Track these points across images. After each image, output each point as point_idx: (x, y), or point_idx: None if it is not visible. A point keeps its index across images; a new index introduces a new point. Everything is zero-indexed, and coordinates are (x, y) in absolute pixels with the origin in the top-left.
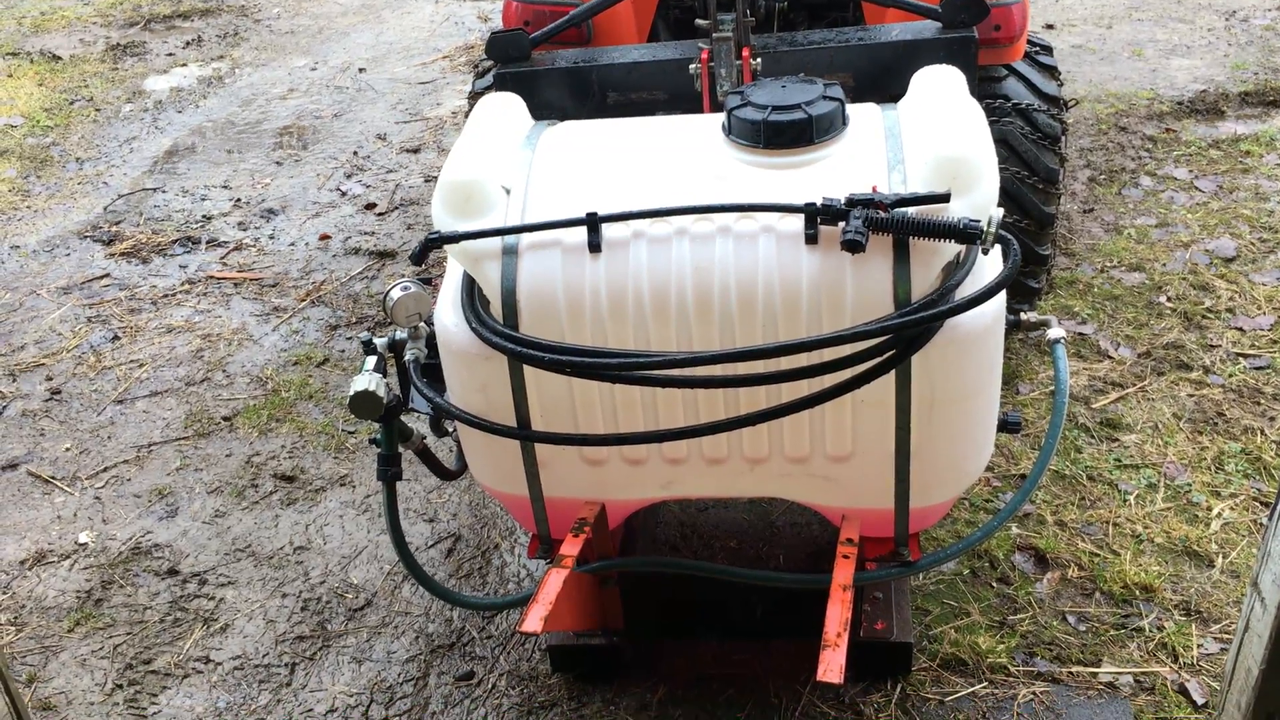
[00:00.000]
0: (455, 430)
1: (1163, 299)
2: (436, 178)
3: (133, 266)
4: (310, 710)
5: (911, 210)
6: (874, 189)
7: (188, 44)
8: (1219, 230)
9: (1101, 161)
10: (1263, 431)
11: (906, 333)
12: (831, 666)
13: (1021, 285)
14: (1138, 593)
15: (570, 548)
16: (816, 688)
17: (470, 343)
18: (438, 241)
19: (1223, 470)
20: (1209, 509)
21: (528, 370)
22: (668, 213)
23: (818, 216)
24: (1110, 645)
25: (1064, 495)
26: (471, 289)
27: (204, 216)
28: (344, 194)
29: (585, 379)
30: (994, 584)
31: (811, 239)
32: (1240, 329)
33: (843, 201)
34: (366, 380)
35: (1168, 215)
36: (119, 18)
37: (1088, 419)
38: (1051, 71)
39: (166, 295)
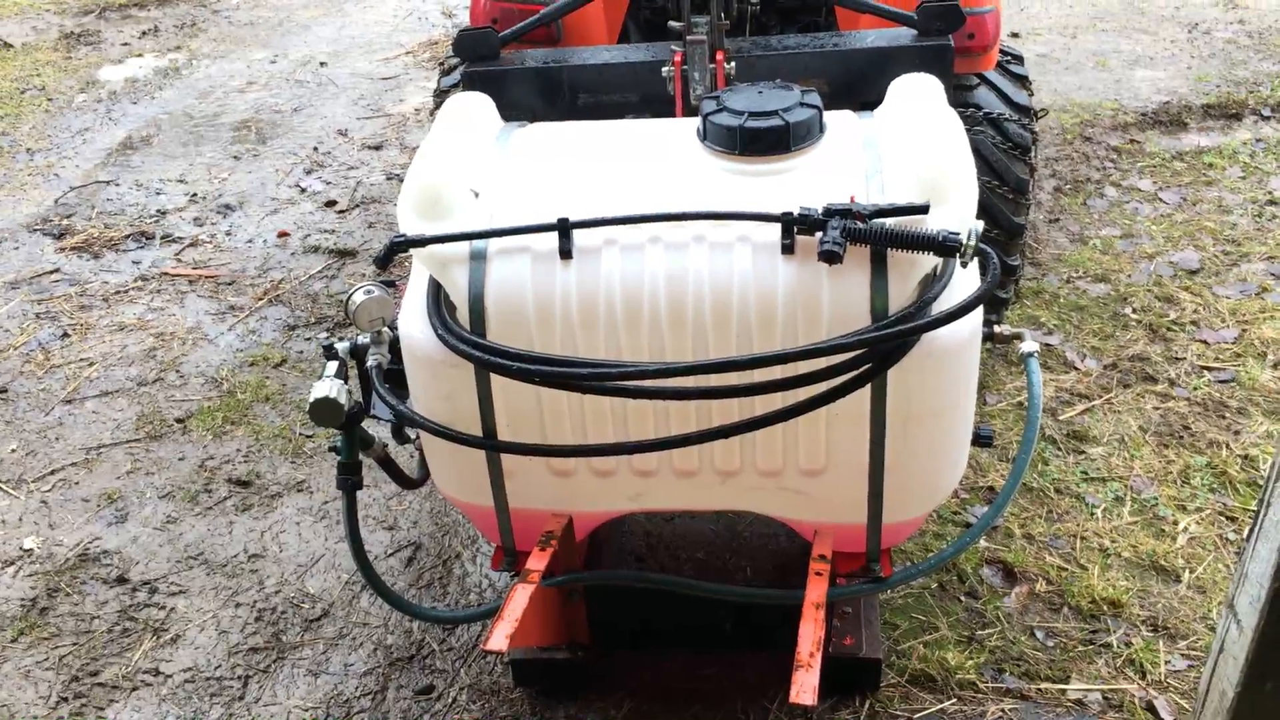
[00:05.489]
0: (418, 438)
1: (1128, 310)
2: (399, 175)
3: (84, 262)
4: None
5: (890, 221)
6: (852, 199)
7: (144, 34)
8: (1183, 242)
9: (1067, 171)
10: (1228, 445)
11: (883, 346)
12: (804, 688)
13: (990, 295)
14: (1105, 608)
15: (537, 562)
16: (785, 704)
17: (436, 350)
18: (404, 245)
19: (1189, 484)
20: (1175, 523)
21: (495, 379)
22: (641, 219)
23: (794, 226)
24: (1078, 661)
25: (1032, 508)
26: (438, 294)
27: (159, 211)
28: (303, 190)
29: (554, 389)
30: (962, 598)
31: (788, 249)
32: (1205, 342)
33: (820, 211)
34: (327, 387)
35: (1132, 226)
36: (73, 5)
37: (1055, 431)
38: (1023, 81)
39: (119, 292)
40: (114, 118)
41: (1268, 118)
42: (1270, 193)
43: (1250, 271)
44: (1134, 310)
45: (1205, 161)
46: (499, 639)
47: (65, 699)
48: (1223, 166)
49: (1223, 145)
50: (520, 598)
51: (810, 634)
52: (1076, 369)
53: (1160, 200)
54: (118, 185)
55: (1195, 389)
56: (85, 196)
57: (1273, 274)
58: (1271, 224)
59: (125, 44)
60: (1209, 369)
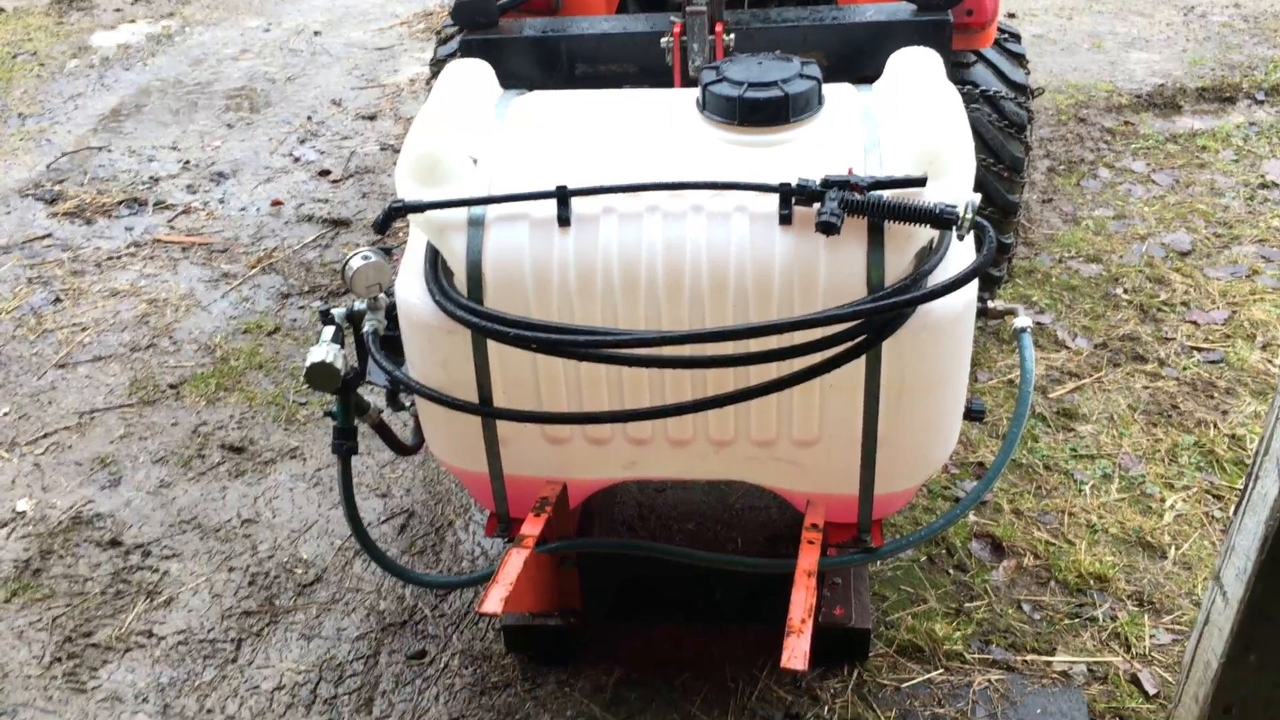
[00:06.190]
0: (413, 405)
1: (1119, 291)
2: (393, 146)
3: (76, 227)
4: (257, 687)
5: (887, 193)
6: (850, 171)
7: (136, 0)
8: (1175, 224)
9: (1061, 152)
10: (1215, 425)
11: (879, 318)
12: (796, 653)
13: (983, 273)
14: (1092, 582)
15: (531, 527)
16: (773, 672)
17: (433, 315)
18: (402, 210)
19: (1176, 462)
20: (1162, 500)
21: (491, 345)
22: (639, 188)
23: (792, 197)
24: (1064, 634)
25: (1021, 484)
26: (435, 260)
27: (151, 178)
28: (297, 160)
29: (551, 356)
30: (951, 571)
31: (785, 219)
32: (1194, 322)
33: (818, 182)
34: (324, 351)
35: (1125, 207)
36: None
37: (1045, 408)
38: (1020, 59)
39: (111, 258)
40: (106, 84)
41: (1261, 101)
42: (1263, 176)
43: (1241, 254)
44: (1125, 290)
45: (1198, 144)
46: (494, 602)
47: (59, 659)
48: (1216, 149)
49: (1216, 128)
50: (515, 562)
51: (802, 601)
52: (1067, 348)
53: (1153, 182)
54: (110, 151)
55: (1184, 369)
56: (77, 162)
57: (1263, 256)
58: (1263, 207)
59: (118, 10)
60: (1198, 349)
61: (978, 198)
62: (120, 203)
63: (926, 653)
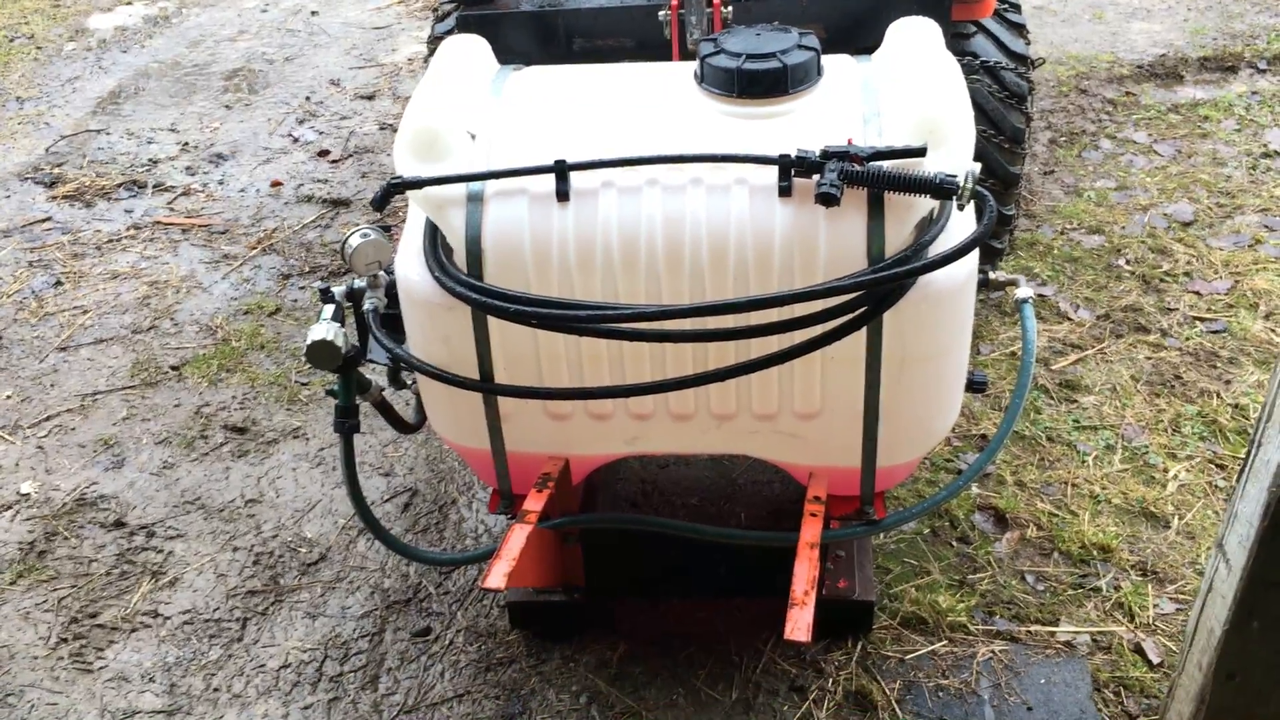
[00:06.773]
0: (415, 382)
1: (1121, 262)
2: (392, 125)
3: (76, 210)
4: (263, 665)
5: (887, 164)
6: (849, 141)
7: None
8: (1177, 194)
9: (1062, 123)
10: (1219, 395)
11: (879, 289)
12: (799, 625)
13: (984, 245)
14: (1095, 553)
15: (534, 503)
16: (778, 646)
17: (433, 292)
18: (401, 187)
19: (1179, 432)
20: (1165, 471)
21: (492, 321)
22: (638, 161)
23: (792, 168)
24: (1068, 605)
25: (1023, 455)
26: (435, 237)
27: (150, 160)
28: (296, 140)
29: (551, 331)
30: (954, 543)
31: (785, 191)
32: (1197, 293)
33: (817, 154)
34: (324, 329)
35: (1127, 178)
36: None
37: (1047, 380)
38: (1020, 30)
39: (111, 240)
40: (104, 66)
41: (1263, 71)
42: (1265, 145)
43: (1244, 223)
44: (1127, 261)
45: (1200, 114)
46: (497, 577)
47: (65, 640)
48: (1218, 119)
49: (1218, 98)
50: (518, 537)
51: (805, 573)
52: (1070, 319)
53: (1155, 153)
54: (109, 134)
55: (1187, 339)
56: (76, 145)
57: (1266, 226)
58: (1265, 176)
59: None
60: (1201, 319)
61: (978, 167)
62: (120, 185)
63: (930, 624)
